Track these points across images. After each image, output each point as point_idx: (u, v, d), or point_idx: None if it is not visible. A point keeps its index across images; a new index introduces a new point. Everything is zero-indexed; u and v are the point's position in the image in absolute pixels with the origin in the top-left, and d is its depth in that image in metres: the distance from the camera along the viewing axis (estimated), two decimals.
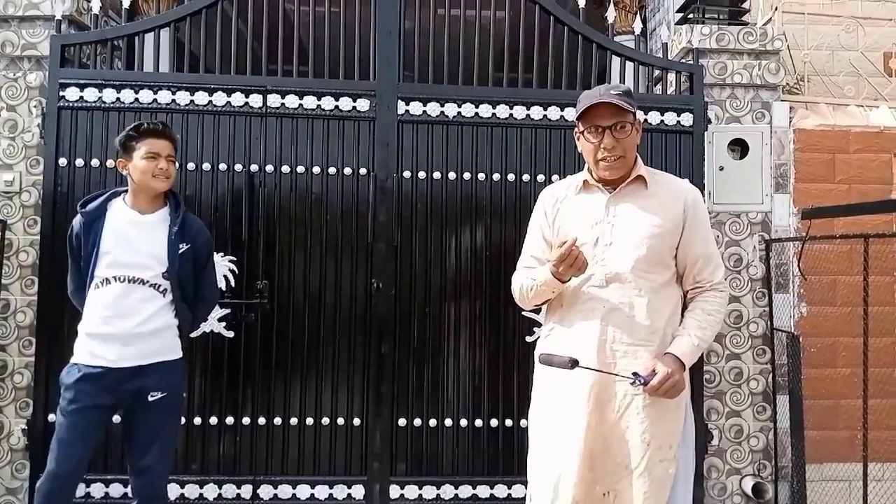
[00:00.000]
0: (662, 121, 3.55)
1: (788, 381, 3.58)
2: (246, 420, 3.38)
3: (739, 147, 3.71)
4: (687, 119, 3.56)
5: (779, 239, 3.65)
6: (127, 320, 2.50)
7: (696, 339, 2.11)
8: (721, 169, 3.68)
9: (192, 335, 3.32)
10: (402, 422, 3.42)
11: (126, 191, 2.64)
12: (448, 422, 3.45)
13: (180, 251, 2.59)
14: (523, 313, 3.38)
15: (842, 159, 3.72)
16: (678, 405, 2.14)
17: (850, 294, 3.53)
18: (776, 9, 4.12)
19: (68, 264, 2.65)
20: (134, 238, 2.55)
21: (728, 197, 3.67)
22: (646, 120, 3.50)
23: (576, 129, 2.24)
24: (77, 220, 2.59)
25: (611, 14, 3.71)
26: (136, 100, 3.38)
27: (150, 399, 2.52)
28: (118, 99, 3.37)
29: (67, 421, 2.47)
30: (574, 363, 2.03)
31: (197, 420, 3.36)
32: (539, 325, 3.39)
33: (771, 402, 3.62)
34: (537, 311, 3.25)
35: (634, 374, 2.04)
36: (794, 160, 3.72)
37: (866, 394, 2.99)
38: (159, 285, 2.56)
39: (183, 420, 3.32)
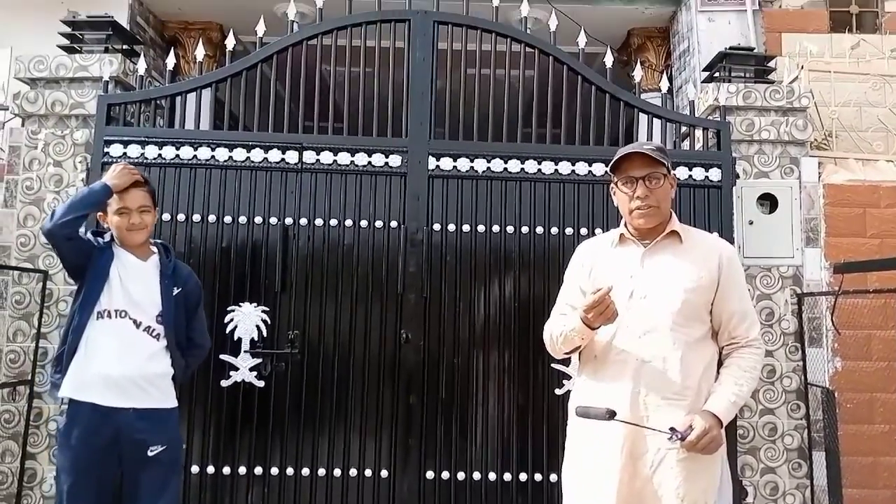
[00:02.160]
0: (691, 175, 3.58)
1: (824, 437, 3.50)
2: (274, 470, 3.37)
3: (769, 201, 3.73)
4: (715, 174, 3.59)
5: (811, 293, 3.62)
6: (126, 360, 2.47)
7: (733, 396, 2.11)
8: (751, 223, 3.69)
9: (224, 384, 3.38)
10: (430, 474, 3.39)
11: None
12: (476, 475, 3.41)
13: (173, 294, 2.61)
14: (553, 365, 3.37)
15: (873, 214, 3.71)
16: (714, 461, 2.12)
17: (886, 349, 3.47)
18: (802, 67, 4.19)
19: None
20: (131, 279, 2.55)
21: (758, 251, 3.67)
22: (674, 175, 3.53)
23: (611, 185, 2.30)
24: (93, 239, 2.58)
25: (637, 73, 3.80)
26: (177, 156, 3.51)
27: (149, 454, 2.46)
28: (160, 155, 3.51)
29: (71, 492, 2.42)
30: (612, 414, 2.03)
31: (226, 469, 3.37)
32: (568, 377, 3.38)
33: (807, 458, 3.53)
34: (566, 362, 3.25)
35: (671, 429, 2.03)
36: (825, 215, 3.71)
37: None
38: (153, 329, 2.55)
39: (212, 469, 3.36)
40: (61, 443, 2.47)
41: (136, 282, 2.57)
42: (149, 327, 2.55)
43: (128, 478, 2.51)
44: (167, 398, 2.58)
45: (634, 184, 2.19)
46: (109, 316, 2.51)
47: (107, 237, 2.63)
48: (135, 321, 2.53)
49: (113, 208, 2.57)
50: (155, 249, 2.68)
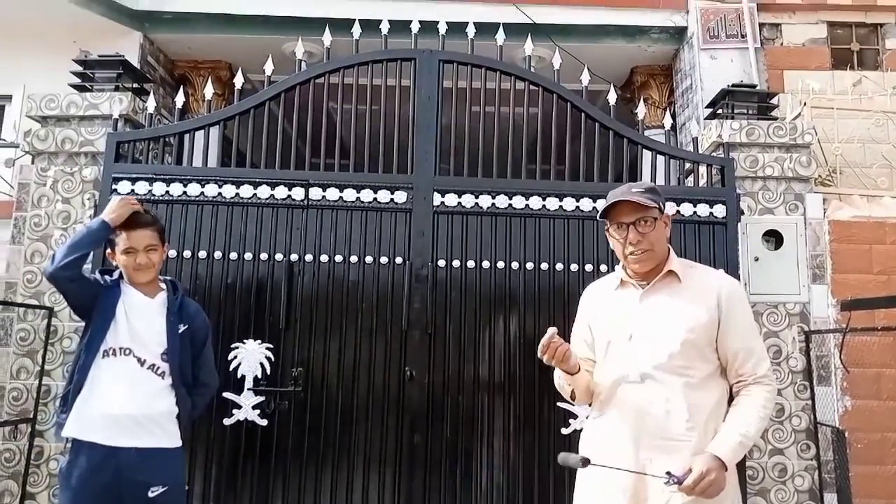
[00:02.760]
0: (695, 212, 3.58)
1: (836, 478, 3.44)
2: None
3: (774, 238, 3.72)
4: (720, 210, 3.59)
5: (818, 330, 3.59)
6: (129, 398, 2.45)
7: (739, 437, 2.05)
8: (756, 259, 3.68)
9: (226, 422, 3.35)
10: None
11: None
12: None
13: (179, 332, 2.59)
14: (559, 404, 3.33)
15: (879, 250, 3.70)
16: None
17: None
18: (804, 104, 4.21)
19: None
20: (137, 317, 2.55)
21: (765, 287, 3.65)
22: (678, 211, 3.54)
23: (606, 230, 2.29)
24: (100, 277, 2.60)
25: (641, 111, 3.83)
26: (185, 193, 3.53)
27: (150, 495, 2.42)
28: (167, 192, 3.53)
29: None
30: (586, 462, 2.01)
31: None
32: (575, 416, 3.34)
33: (818, 500, 3.46)
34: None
35: (668, 472, 1.98)
36: (831, 251, 3.70)
37: None
38: (157, 367, 2.53)
39: None
40: (62, 483, 2.45)
41: (141, 319, 2.56)
42: (153, 365, 2.54)
43: None
44: (171, 438, 2.54)
45: (626, 230, 2.18)
46: (114, 354, 2.50)
47: (115, 275, 2.63)
48: (139, 359, 2.52)
49: (120, 248, 2.58)
50: (163, 286, 2.68)
